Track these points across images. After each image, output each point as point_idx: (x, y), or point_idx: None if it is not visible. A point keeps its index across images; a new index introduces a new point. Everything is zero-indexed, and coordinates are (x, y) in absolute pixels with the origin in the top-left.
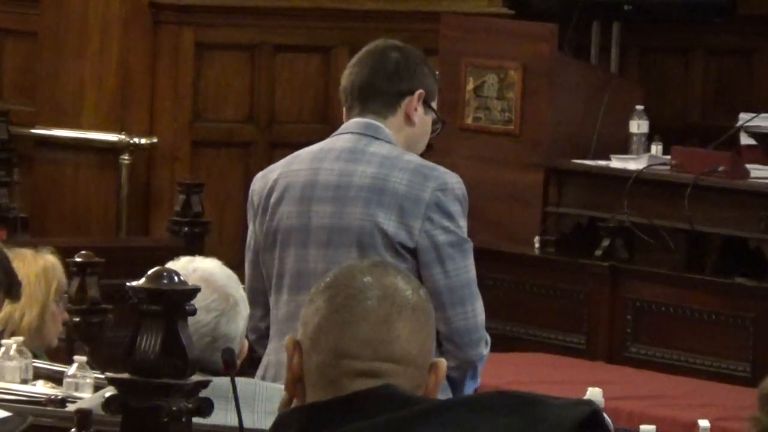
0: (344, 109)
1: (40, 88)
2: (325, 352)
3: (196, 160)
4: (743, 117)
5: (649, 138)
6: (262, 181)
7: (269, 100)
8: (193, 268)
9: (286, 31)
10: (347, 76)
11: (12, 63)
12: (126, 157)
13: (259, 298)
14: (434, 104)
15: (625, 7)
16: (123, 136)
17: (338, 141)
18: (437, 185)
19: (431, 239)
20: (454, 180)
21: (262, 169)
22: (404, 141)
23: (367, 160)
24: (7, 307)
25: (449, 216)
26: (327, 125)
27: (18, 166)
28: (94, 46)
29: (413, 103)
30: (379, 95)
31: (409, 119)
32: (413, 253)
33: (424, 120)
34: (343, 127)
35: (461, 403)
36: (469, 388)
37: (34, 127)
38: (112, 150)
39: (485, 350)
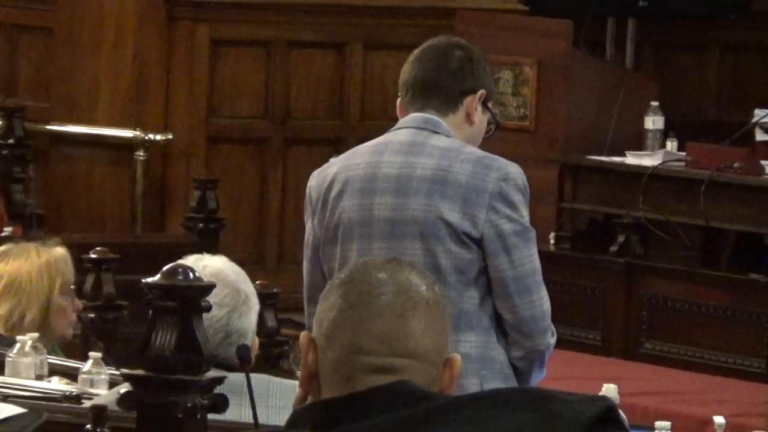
0: (400, 102)
1: (55, 85)
2: (339, 348)
3: (211, 156)
4: (758, 113)
5: (664, 134)
6: (319, 177)
7: (284, 96)
8: (202, 265)
9: (301, 27)
10: (409, 70)
11: (27, 59)
12: (141, 153)
13: (318, 294)
14: (490, 104)
15: (640, 3)
16: (138, 132)
17: (398, 135)
18: (500, 175)
19: (496, 229)
20: (515, 170)
21: (277, 164)
22: (462, 139)
23: (428, 152)
24: (6, 306)
25: (512, 205)
26: (342, 121)
27: (33, 162)
28: (109, 43)
29: (474, 102)
30: (442, 92)
31: (469, 118)
32: (478, 242)
33: (482, 119)
34: (402, 122)
35: (477, 399)
36: (536, 378)
37: (49, 124)
38: (127, 146)
39: (552, 339)
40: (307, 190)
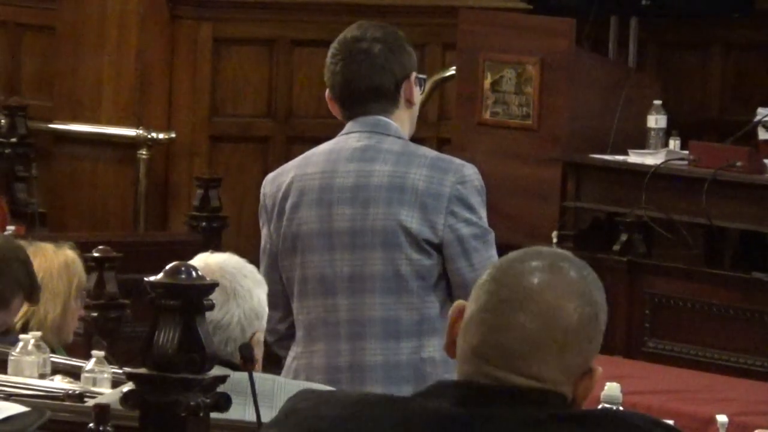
0: (330, 98)
1: (58, 83)
2: (467, 344)
3: (214, 155)
4: (761, 112)
5: (667, 133)
6: (273, 184)
7: (287, 94)
8: (204, 259)
9: (304, 25)
10: (337, 73)
11: (30, 58)
12: (144, 152)
13: (278, 300)
14: (417, 74)
15: (643, 2)
16: (141, 131)
17: (349, 140)
18: (457, 179)
19: (455, 233)
20: (471, 171)
21: (280, 163)
22: (409, 122)
23: (383, 158)
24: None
25: (471, 208)
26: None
27: (36, 161)
28: (112, 41)
29: (409, 86)
30: (381, 94)
31: (409, 102)
32: (438, 248)
33: (417, 93)
34: (350, 126)
35: (611, 418)
36: None
37: (52, 122)
38: (130, 145)
39: None
40: (261, 197)
